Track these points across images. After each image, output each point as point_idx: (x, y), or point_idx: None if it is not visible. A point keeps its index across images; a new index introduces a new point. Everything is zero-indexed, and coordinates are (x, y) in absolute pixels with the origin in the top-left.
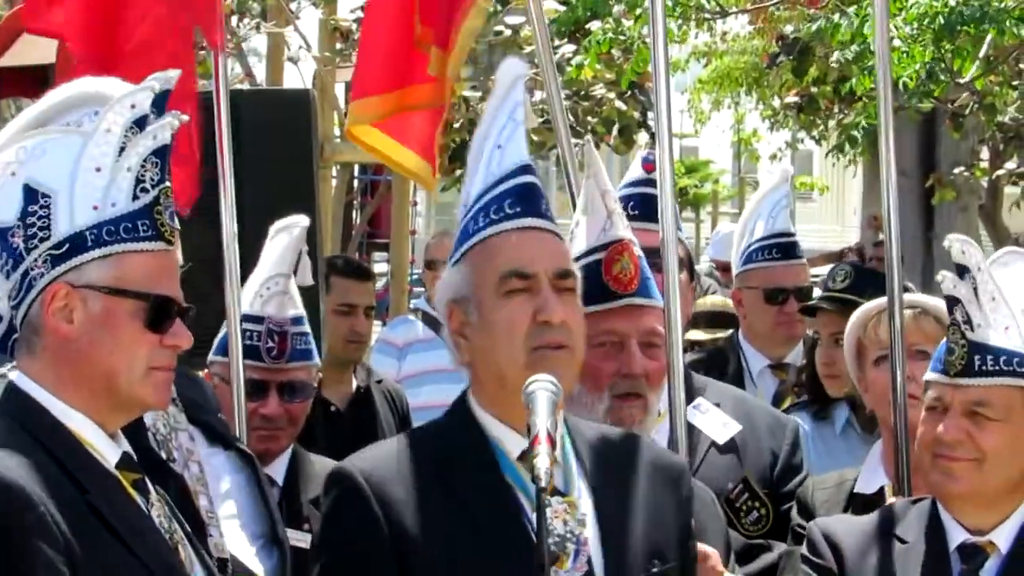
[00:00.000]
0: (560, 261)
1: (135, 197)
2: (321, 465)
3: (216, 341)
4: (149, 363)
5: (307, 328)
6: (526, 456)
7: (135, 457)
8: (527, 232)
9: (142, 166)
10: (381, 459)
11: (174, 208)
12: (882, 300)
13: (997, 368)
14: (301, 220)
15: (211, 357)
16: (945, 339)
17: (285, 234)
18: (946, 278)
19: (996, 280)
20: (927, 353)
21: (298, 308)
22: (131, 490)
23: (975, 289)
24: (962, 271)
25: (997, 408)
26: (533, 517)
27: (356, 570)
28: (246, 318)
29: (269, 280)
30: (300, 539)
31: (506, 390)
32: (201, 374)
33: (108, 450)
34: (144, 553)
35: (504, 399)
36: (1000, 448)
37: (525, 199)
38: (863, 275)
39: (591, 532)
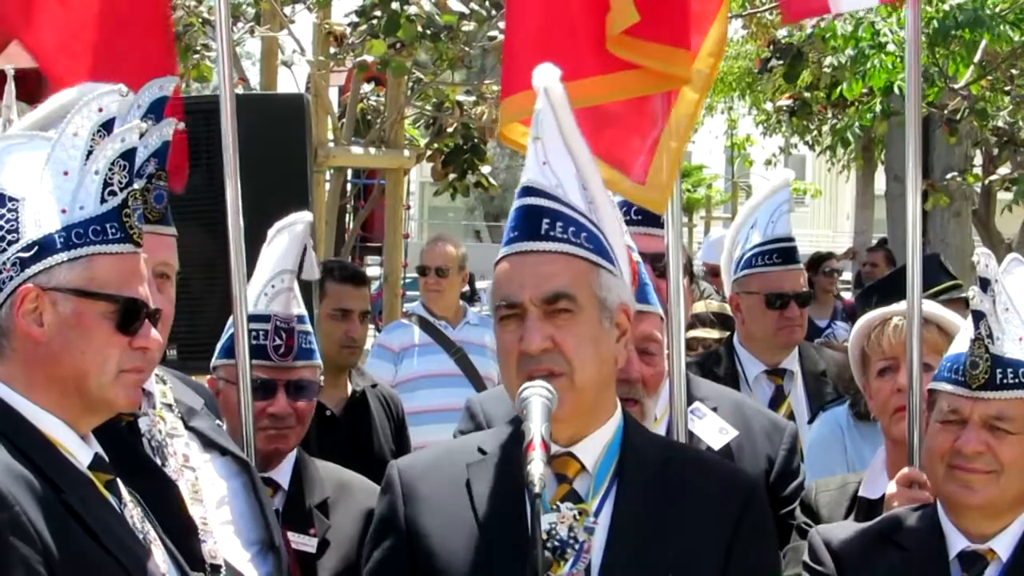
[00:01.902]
0: (549, 285)
1: (103, 200)
2: (325, 470)
3: (219, 344)
4: (120, 365)
5: (310, 327)
6: (551, 460)
7: (107, 458)
8: (521, 257)
9: (110, 169)
10: (427, 455)
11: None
12: (886, 309)
13: (1016, 381)
14: (304, 216)
15: (215, 361)
16: (966, 350)
17: (287, 232)
18: (975, 294)
19: (1007, 290)
20: (928, 365)
21: (301, 307)
22: (104, 491)
23: (994, 301)
24: (985, 284)
25: (1016, 421)
26: (541, 520)
27: (380, 557)
28: (252, 317)
29: (274, 277)
30: (305, 543)
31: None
32: (205, 379)
33: (80, 451)
34: (119, 553)
35: None
36: (1018, 460)
37: (523, 223)
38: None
39: (599, 541)
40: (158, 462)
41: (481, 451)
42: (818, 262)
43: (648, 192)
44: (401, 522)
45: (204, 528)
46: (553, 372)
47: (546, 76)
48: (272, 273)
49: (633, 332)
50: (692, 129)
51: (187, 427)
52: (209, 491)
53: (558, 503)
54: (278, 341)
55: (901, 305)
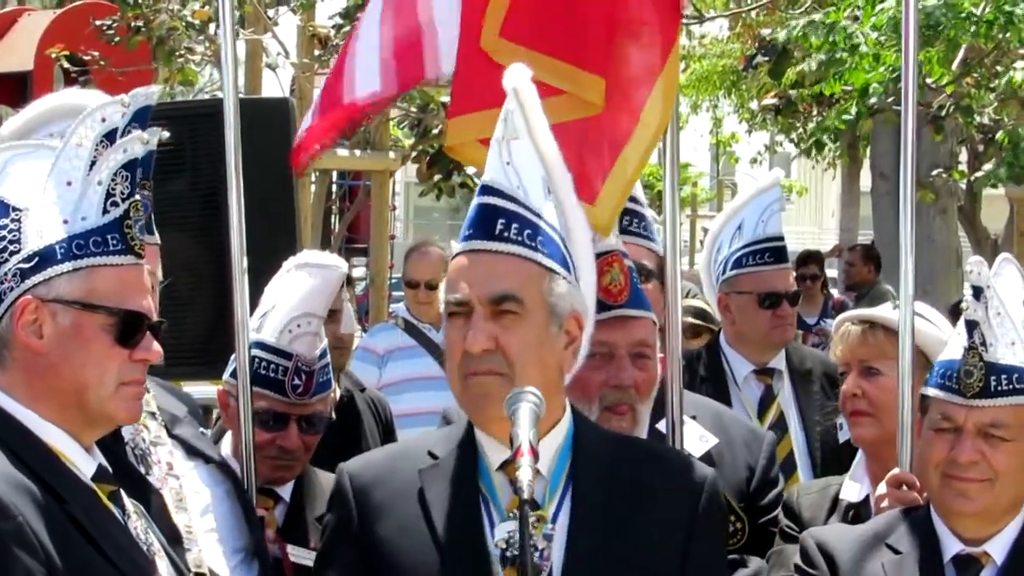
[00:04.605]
0: (497, 285)
1: (105, 211)
2: (328, 481)
3: (233, 361)
4: (119, 378)
5: (329, 359)
6: (505, 466)
7: (110, 470)
8: (473, 256)
9: (112, 180)
10: (376, 460)
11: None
12: (843, 315)
13: (1011, 387)
14: (339, 264)
15: (228, 377)
16: (959, 358)
17: (318, 274)
18: (968, 303)
19: (999, 294)
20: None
21: (324, 342)
22: (108, 502)
23: (986, 308)
24: (978, 292)
25: (1011, 428)
26: (499, 528)
27: (331, 565)
28: (271, 349)
29: (300, 318)
30: (304, 556)
31: (464, 407)
32: (215, 388)
33: (83, 462)
34: (123, 564)
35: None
36: (1012, 467)
37: (478, 221)
38: None
39: (558, 547)
40: (142, 470)
41: (432, 455)
42: None
43: (595, 213)
44: (355, 532)
45: (189, 537)
46: (493, 371)
47: (517, 77)
48: (298, 312)
49: (627, 337)
50: (647, 159)
51: (170, 435)
52: (193, 499)
53: (515, 511)
54: (297, 381)
55: (868, 310)
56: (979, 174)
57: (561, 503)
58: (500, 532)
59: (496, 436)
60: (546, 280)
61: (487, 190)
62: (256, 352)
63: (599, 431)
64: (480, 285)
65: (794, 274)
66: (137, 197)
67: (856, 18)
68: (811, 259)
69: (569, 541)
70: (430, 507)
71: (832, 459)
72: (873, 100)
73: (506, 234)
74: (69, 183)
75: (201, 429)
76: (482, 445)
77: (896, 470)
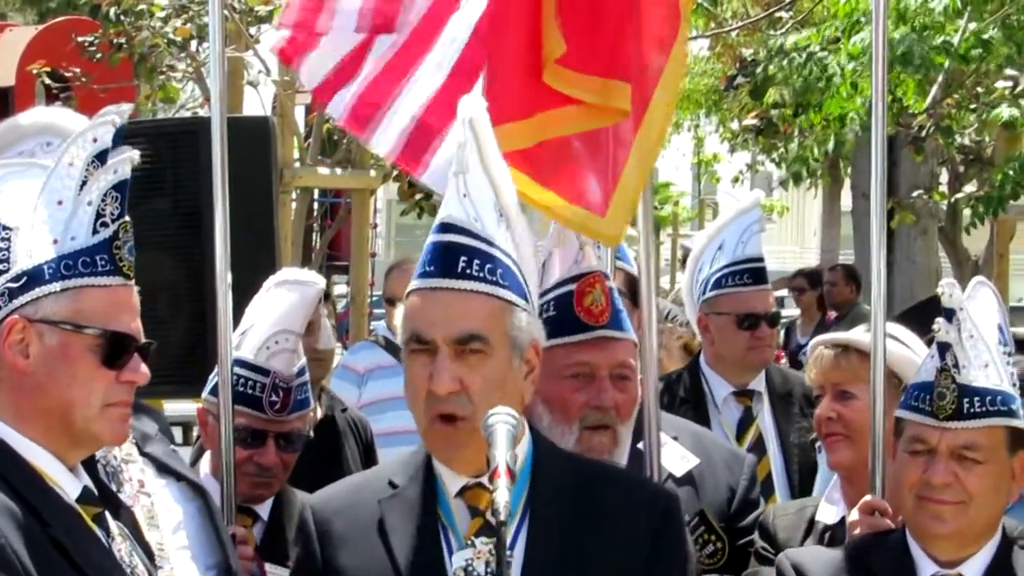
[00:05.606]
0: (462, 325)
1: (95, 231)
2: None
3: (211, 380)
4: (105, 399)
5: (307, 377)
6: (463, 492)
7: (95, 491)
8: (434, 294)
9: (102, 200)
10: (338, 493)
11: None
12: (817, 339)
13: (984, 409)
14: (316, 280)
15: (207, 395)
16: (932, 380)
17: (296, 291)
18: (940, 325)
19: (972, 316)
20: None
21: (302, 359)
22: (92, 524)
23: (959, 330)
24: (950, 315)
25: (984, 450)
26: (456, 556)
27: None
28: (248, 366)
29: (278, 334)
30: (282, 575)
31: (426, 443)
32: (194, 406)
33: (68, 484)
34: None
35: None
36: (985, 489)
37: (439, 259)
38: None
39: (515, 573)
40: (113, 488)
41: (392, 484)
42: None
43: (604, 225)
44: (319, 567)
45: (161, 554)
46: (456, 416)
47: (471, 107)
48: (276, 329)
49: (608, 358)
50: (655, 157)
51: (142, 453)
52: (165, 516)
53: (472, 538)
54: (275, 398)
55: (841, 334)
56: (960, 195)
57: (519, 528)
58: (458, 560)
59: (453, 467)
60: (508, 315)
61: (446, 227)
62: (234, 369)
63: (560, 452)
64: (445, 325)
65: (775, 295)
66: (127, 218)
67: (837, 39)
68: (801, 273)
69: (526, 566)
70: (390, 537)
71: (810, 482)
72: (850, 127)
73: (468, 271)
74: (60, 202)
75: (172, 447)
76: (440, 472)
77: (868, 497)
